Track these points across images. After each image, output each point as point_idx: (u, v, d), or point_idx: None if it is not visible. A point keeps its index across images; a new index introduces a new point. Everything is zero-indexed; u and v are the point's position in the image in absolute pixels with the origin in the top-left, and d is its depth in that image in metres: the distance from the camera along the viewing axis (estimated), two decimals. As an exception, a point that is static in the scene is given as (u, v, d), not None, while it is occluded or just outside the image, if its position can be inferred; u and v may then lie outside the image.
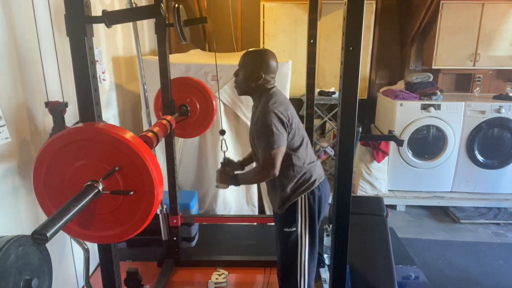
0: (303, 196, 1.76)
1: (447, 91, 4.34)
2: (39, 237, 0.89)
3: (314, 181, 1.78)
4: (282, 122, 1.65)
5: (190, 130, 2.48)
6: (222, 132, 2.13)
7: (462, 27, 3.83)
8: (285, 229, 1.79)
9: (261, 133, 1.67)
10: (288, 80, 3.06)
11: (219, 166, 2.02)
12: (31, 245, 1.36)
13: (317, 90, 3.85)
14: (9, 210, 1.72)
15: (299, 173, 1.75)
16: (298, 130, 1.75)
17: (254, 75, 1.74)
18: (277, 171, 1.68)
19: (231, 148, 3.22)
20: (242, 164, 2.08)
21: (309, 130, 2.49)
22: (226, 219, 3.03)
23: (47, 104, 1.78)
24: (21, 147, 1.79)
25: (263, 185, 3.26)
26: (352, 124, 1.32)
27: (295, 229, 1.77)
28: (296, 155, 1.74)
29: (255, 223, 3.27)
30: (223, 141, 2.07)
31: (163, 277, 2.48)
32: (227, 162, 2.02)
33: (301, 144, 1.76)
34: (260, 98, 1.77)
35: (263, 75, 1.74)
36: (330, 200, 1.98)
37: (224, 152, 2.05)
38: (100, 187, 1.12)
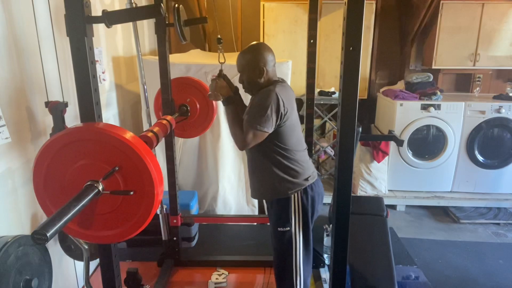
0: (296, 194, 1.76)
1: (447, 91, 4.34)
2: (39, 237, 0.89)
3: (307, 178, 1.77)
4: (278, 110, 1.63)
5: (190, 130, 2.48)
6: (219, 41, 2.00)
7: (462, 27, 3.83)
8: (279, 229, 1.80)
9: (255, 107, 1.64)
10: (288, 80, 3.06)
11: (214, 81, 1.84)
12: (31, 245, 1.36)
13: (317, 90, 3.85)
14: (9, 210, 1.72)
15: (288, 164, 1.73)
16: (292, 130, 1.72)
17: (257, 72, 1.73)
18: (246, 148, 1.68)
19: (230, 148, 3.22)
20: (237, 89, 1.95)
21: (309, 130, 2.49)
22: (226, 219, 3.02)
23: (47, 104, 1.78)
24: (21, 147, 1.79)
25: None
26: (352, 124, 1.32)
27: (289, 228, 1.78)
28: (288, 150, 1.73)
29: (255, 223, 3.27)
30: (221, 51, 1.96)
31: (163, 277, 2.48)
32: (223, 75, 1.89)
33: (294, 143, 1.74)
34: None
35: (264, 68, 1.73)
36: (324, 200, 1.97)
37: (222, 63, 1.94)
38: (100, 187, 1.12)
